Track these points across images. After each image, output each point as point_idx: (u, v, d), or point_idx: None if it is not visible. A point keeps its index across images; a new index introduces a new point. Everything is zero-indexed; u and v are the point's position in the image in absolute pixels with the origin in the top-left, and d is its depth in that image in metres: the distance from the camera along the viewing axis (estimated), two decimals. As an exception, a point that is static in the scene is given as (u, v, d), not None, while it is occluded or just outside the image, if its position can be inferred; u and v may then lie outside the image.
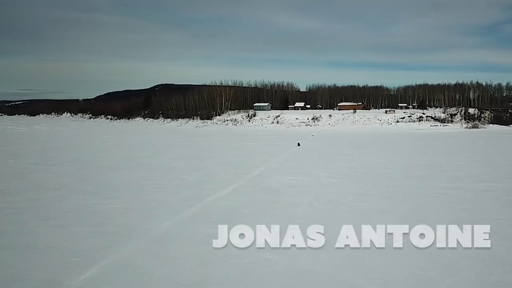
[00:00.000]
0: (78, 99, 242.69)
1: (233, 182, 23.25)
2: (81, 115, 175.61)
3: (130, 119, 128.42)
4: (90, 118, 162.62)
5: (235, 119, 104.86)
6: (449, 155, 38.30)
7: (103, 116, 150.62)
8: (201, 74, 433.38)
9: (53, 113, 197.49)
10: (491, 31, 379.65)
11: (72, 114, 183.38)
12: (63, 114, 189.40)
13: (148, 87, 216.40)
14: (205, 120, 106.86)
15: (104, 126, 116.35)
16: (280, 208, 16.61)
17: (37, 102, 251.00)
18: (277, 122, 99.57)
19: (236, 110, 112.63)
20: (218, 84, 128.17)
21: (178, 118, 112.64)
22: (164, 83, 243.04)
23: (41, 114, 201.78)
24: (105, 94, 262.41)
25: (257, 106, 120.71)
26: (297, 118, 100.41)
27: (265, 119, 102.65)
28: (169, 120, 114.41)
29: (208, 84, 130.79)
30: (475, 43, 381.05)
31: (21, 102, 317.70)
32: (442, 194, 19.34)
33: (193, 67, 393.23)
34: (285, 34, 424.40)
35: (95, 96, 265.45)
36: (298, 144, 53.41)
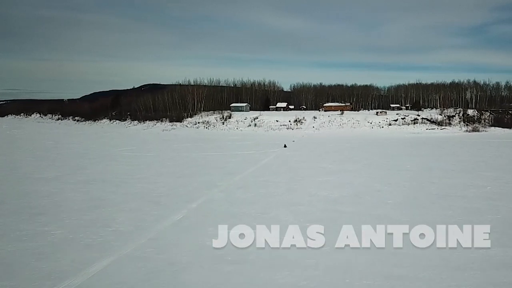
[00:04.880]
0: (63, 99, 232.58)
1: (117, 245, 13.29)
2: (50, 116, 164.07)
3: (96, 121, 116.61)
4: (58, 119, 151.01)
5: (207, 122, 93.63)
6: (465, 174, 28.60)
7: (71, 117, 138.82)
8: (190, 74, 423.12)
9: (22, 114, 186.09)
10: (480, 32, 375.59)
11: (41, 115, 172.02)
12: (32, 115, 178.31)
13: (135, 87, 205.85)
14: (175, 123, 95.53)
15: (62, 129, 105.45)
16: None
17: (21, 102, 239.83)
18: (255, 125, 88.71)
19: (211, 111, 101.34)
20: (192, 82, 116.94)
21: (146, 120, 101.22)
22: (152, 83, 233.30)
23: (9, 115, 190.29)
24: (91, 94, 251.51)
25: (234, 106, 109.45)
26: (277, 120, 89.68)
27: (241, 121, 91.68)
28: (136, 122, 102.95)
29: (181, 83, 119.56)
30: (466, 44, 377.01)
31: (4, 102, 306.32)
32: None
33: (181, 67, 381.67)
34: (274, 35, 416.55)
35: (81, 96, 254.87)
36: (285, 146, 51.65)
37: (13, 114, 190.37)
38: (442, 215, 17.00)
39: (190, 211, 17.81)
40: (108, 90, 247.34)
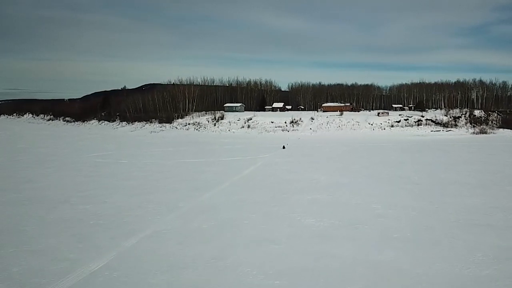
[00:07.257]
0: (64, 99, 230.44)
1: None
2: (42, 117, 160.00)
3: (85, 122, 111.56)
4: (49, 120, 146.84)
5: (198, 123, 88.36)
6: (483, 190, 23.85)
7: (61, 118, 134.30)
8: (190, 74, 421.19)
9: (14, 114, 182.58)
10: (481, 32, 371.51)
11: (34, 116, 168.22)
12: (25, 115, 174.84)
13: (136, 87, 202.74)
14: (164, 124, 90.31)
15: (48, 130, 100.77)
16: None
17: (18, 102, 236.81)
18: (248, 127, 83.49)
19: (204, 112, 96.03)
20: (184, 82, 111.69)
21: (135, 121, 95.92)
22: (153, 82, 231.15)
23: (2, 115, 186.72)
24: (91, 94, 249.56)
25: (228, 106, 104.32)
26: (272, 122, 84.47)
27: (234, 122, 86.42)
28: (124, 123, 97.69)
29: (174, 82, 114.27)
30: (467, 44, 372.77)
31: (3, 101, 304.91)
32: None
33: (182, 67, 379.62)
34: (274, 34, 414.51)
35: (82, 96, 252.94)
36: (283, 147, 50.33)
37: (7, 114, 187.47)
38: (470, 261, 12.11)
39: (119, 254, 12.85)
40: (109, 90, 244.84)
